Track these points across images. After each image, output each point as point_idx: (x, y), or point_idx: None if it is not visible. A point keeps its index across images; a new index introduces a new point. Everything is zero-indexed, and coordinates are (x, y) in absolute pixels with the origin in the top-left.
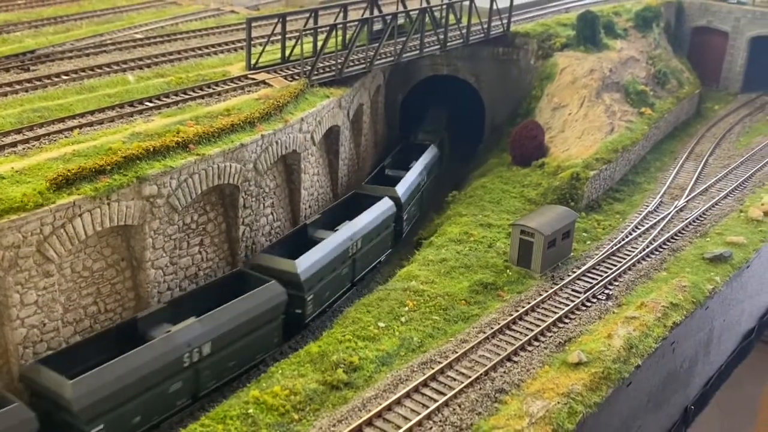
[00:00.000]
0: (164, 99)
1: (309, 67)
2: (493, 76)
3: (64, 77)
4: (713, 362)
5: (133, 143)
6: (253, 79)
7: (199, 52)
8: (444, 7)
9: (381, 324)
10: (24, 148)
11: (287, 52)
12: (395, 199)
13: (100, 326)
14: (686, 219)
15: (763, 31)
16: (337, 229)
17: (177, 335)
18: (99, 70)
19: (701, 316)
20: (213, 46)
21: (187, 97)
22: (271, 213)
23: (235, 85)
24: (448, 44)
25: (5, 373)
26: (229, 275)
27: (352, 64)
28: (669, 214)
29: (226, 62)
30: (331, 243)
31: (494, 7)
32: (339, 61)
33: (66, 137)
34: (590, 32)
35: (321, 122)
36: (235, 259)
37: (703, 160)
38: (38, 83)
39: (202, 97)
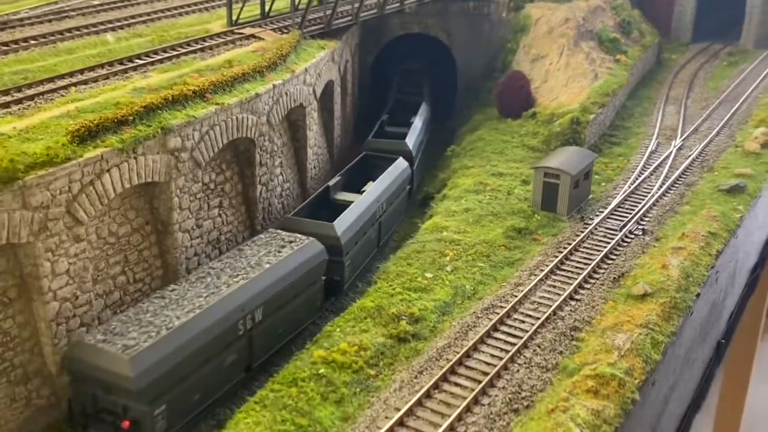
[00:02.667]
0: (154, 56)
1: (299, 19)
2: (464, 32)
3: (33, 42)
4: (735, 294)
5: (143, 95)
6: (241, 33)
7: (170, 13)
8: None
9: (428, 275)
10: (20, 108)
11: (267, 7)
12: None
13: (129, 298)
14: (689, 156)
15: None
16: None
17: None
18: (69, 34)
19: (733, 245)
20: (182, 6)
21: (178, 52)
22: (281, 173)
23: (224, 40)
24: None
25: (36, 356)
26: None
27: (339, 16)
28: (671, 153)
29: (203, 21)
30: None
31: None
32: (327, 12)
33: (63, 95)
34: None
35: (320, 75)
36: (253, 222)
37: (683, 104)
38: (6, 48)
39: (194, 52)
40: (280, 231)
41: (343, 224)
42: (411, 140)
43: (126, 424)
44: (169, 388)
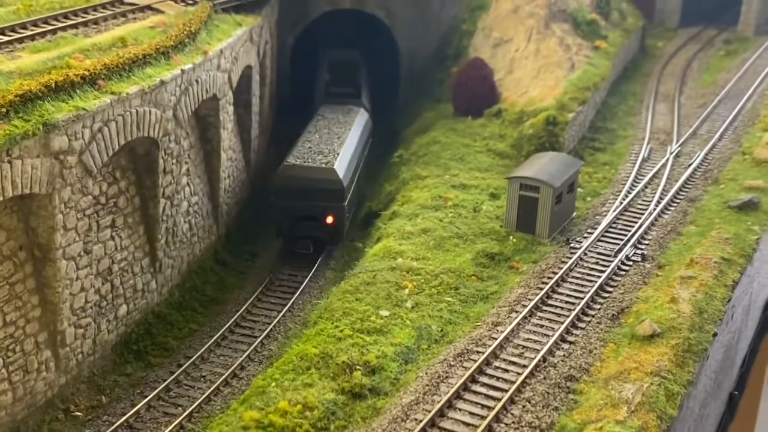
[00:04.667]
0: (23, 30)
1: None
2: (409, 10)
3: None
4: (748, 335)
5: (15, 81)
6: (133, 4)
7: None
8: None
9: (384, 312)
10: None
11: None
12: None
13: None
14: (689, 165)
15: None
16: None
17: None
18: None
19: (749, 274)
20: None
21: (54, 26)
22: (188, 184)
23: (113, 12)
24: None
25: None
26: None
27: None
28: (667, 161)
29: None
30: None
31: None
32: None
33: None
34: None
35: (237, 59)
36: (154, 248)
37: (676, 102)
38: None
39: (75, 26)
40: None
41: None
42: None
43: (331, 217)
44: (348, 191)
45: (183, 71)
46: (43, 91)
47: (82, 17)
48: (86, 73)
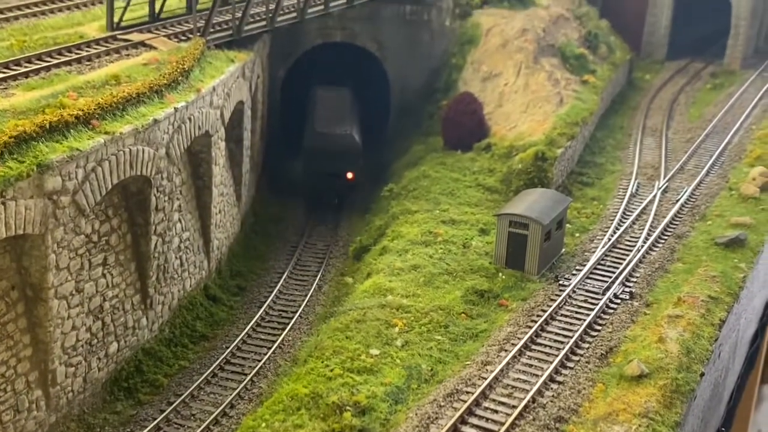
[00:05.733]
0: (17, 68)
1: (201, 24)
2: (399, 43)
3: None
4: (735, 371)
5: (9, 120)
6: (127, 40)
7: (30, 11)
8: None
9: (374, 351)
10: None
11: (157, 7)
12: None
13: None
14: (677, 201)
15: None
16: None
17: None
18: None
19: (736, 312)
20: (46, 3)
21: (48, 63)
22: (180, 220)
23: (106, 48)
24: None
25: None
26: None
27: (251, 20)
28: (655, 196)
29: (75, 22)
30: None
31: None
32: (236, 15)
33: None
34: None
35: (230, 95)
36: (145, 285)
37: (663, 136)
38: None
39: (68, 63)
40: None
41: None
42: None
43: (351, 174)
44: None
45: (176, 109)
46: (38, 131)
47: (76, 54)
48: (80, 113)
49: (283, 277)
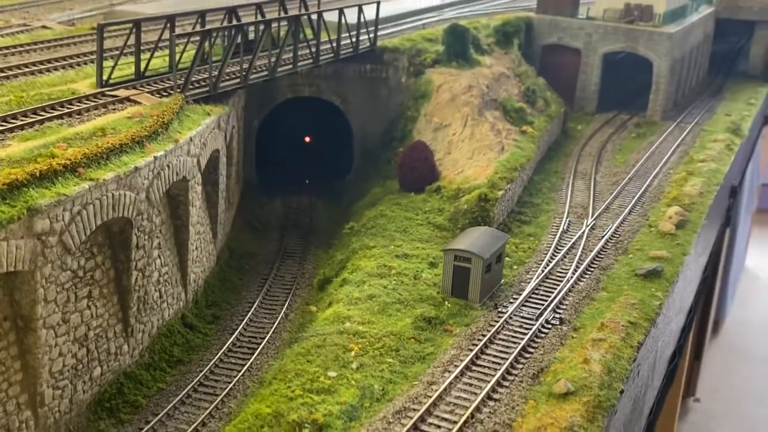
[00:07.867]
0: (14, 121)
1: (181, 81)
2: (361, 97)
3: None
4: (654, 387)
5: (5, 169)
6: (114, 96)
7: (27, 69)
8: (314, 17)
9: (332, 373)
10: None
11: (142, 66)
12: None
13: None
14: (602, 237)
15: (614, 46)
16: None
17: None
18: None
19: (654, 335)
20: (42, 62)
21: (42, 117)
22: (159, 256)
23: (95, 103)
24: (321, 58)
25: None
26: None
27: (226, 78)
28: (583, 233)
29: (68, 79)
30: None
31: (361, 19)
32: (213, 74)
33: None
34: (461, 47)
35: (206, 144)
36: (127, 315)
37: (592, 179)
38: None
39: (60, 117)
40: None
41: None
42: None
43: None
44: None
45: (156, 158)
46: (29, 179)
47: (68, 108)
48: (68, 162)
49: (254, 307)
